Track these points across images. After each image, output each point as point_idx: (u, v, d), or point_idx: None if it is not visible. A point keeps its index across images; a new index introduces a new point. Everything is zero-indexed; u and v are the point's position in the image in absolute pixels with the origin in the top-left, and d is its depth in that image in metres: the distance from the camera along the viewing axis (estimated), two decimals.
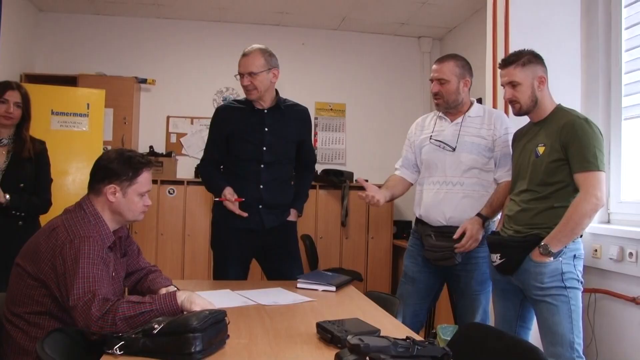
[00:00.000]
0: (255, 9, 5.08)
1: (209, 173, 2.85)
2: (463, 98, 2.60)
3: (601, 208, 2.16)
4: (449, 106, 2.60)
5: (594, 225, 2.96)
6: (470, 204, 2.55)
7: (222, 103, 2.94)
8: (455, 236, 2.48)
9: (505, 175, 2.55)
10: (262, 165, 2.73)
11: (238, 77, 2.70)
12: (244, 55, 2.67)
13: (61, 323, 1.72)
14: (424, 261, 2.65)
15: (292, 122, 2.81)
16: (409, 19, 5.24)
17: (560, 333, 2.16)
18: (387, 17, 5.22)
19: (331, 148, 5.61)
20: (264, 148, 2.72)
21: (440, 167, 2.61)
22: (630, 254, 2.66)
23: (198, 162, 4.43)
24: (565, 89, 2.95)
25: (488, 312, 2.63)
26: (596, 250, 2.91)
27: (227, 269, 2.79)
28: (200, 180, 3.47)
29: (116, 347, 1.40)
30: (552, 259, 2.17)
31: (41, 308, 1.72)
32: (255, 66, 2.63)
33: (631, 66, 2.91)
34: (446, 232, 2.54)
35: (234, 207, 2.66)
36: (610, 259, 2.78)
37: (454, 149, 2.57)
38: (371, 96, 5.66)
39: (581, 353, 2.19)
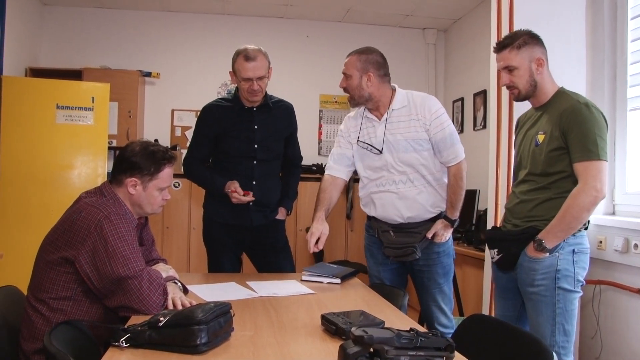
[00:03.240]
0: (259, 1, 5.06)
1: (201, 171, 2.84)
2: (370, 93, 2.46)
3: (601, 200, 2.01)
4: (356, 102, 2.50)
5: (599, 217, 2.96)
6: (425, 198, 2.46)
7: (226, 95, 2.92)
8: (428, 235, 2.44)
9: (450, 159, 2.45)
10: (254, 162, 2.75)
11: (233, 82, 2.66)
12: (250, 59, 2.57)
13: (83, 309, 1.78)
14: (383, 258, 2.56)
15: (279, 118, 2.83)
16: (413, 10, 5.21)
17: (541, 334, 2.04)
18: (391, 8, 5.20)
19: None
20: (256, 146, 2.74)
21: (381, 168, 2.49)
22: (636, 245, 2.66)
23: None
24: (570, 80, 2.92)
25: (452, 299, 2.59)
26: (601, 242, 2.90)
27: (221, 262, 2.83)
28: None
29: (122, 339, 1.41)
30: (547, 254, 2.04)
31: (67, 293, 1.77)
32: (264, 69, 2.61)
33: (637, 57, 2.89)
34: (405, 228, 2.47)
35: (243, 199, 2.65)
36: (616, 250, 2.78)
37: (380, 151, 2.45)
38: None
39: (568, 352, 2.08)
